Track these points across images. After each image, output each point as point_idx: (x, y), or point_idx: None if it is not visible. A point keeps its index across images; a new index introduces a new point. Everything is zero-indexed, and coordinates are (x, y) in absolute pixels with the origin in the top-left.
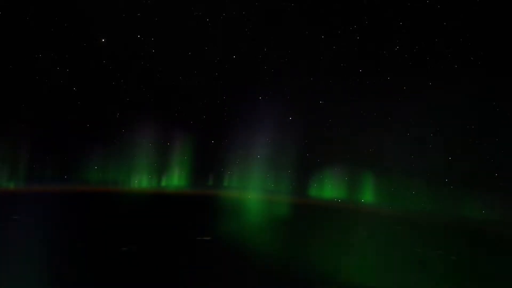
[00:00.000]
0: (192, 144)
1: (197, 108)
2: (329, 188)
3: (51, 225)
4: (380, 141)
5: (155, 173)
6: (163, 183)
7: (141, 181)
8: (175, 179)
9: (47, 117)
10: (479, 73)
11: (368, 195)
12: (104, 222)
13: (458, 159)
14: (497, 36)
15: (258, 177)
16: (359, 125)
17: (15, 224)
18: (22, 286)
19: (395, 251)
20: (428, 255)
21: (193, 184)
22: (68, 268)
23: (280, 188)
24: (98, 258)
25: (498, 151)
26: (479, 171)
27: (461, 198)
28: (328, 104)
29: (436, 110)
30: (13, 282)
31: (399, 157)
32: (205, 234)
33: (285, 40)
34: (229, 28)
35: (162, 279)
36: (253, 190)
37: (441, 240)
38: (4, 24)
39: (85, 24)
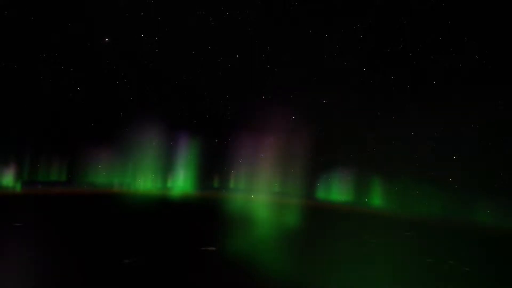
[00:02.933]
0: (195, 144)
1: (200, 107)
2: (336, 190)
3: (51, 230)
4: (387, 143)
5: (158, 174)
6: (167, 184)
7: (144, 182)
8: (179, 180)
9: (50, 118)
10: (485, 72)
11: (376, 198)
12: (105, 229)
13: (469, 162)
14: (500, 35)
15: (263, 179)
16: (364, 126)
17: (16, 229)
18: None
19: (404, 264)
20: (440, 267)
21: (197, 185)
22: (66, 282)
23: (286, 190)
24: (98, 270)
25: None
26: (493, 174)
27: (473, 202)
28: (332, 104)
29: (445, 111)
30: None
31: (407, 160)
32: (209, 244)
33: (289, 40)
34: (233, 27)
35: None
36: (258, 191)
37: (453, 249)
38: (7, 24)
39: (88, 24)
